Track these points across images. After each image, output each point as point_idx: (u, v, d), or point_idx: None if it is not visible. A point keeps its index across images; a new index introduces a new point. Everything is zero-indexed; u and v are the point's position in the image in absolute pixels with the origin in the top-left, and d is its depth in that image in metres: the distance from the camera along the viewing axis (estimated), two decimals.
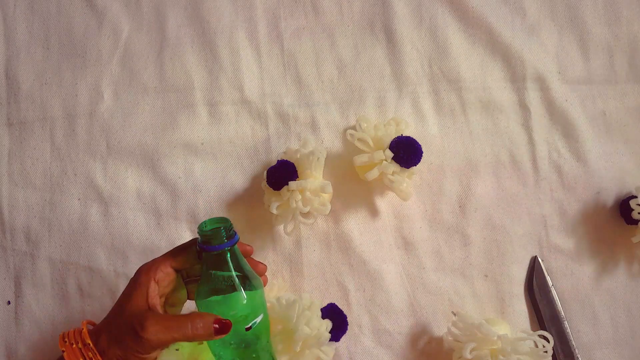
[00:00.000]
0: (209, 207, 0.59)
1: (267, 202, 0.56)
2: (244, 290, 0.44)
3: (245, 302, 0.44)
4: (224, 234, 0.44)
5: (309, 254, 0.59)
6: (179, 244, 0.59)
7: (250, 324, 0.44)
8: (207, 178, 0.60)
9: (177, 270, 0.46)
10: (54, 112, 0.62)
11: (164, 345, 0.42)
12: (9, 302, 0.60)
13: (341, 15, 0.62)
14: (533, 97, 0.60)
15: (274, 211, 0.54)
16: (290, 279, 0.59)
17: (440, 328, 0.57)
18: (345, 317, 0.55)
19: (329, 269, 0.58)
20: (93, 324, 0.46)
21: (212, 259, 0.45)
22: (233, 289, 0.44)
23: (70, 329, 0.45)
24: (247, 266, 0.46)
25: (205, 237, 0.44)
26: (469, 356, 0.50)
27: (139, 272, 0.44)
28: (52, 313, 0.59)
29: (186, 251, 0.46)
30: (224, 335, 0.43)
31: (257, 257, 0.59)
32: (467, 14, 0.61)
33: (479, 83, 0.60)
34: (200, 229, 0.45)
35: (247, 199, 0.60)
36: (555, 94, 0.60)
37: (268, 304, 0.50)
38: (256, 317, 0.45)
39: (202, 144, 0.61)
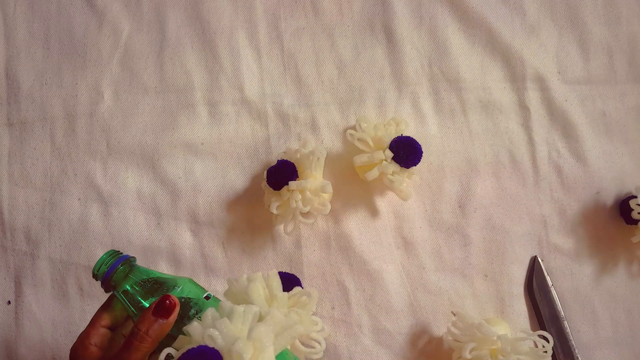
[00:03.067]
0: (209, 207, 0.60)
1: (267, 202, 0.56)
2: (172, 285, 0.43)
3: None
4: (108, 259, 0.44)
5: (309, 254, 0.59)
6: (179, 244, 0.59)
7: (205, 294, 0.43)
8: (207, 178, 0.60)
9: (112, 329, 0.44)
10: (54, 112, 0.62)
11: None
12: (9, 302, 0.60)
13: (341, 15, 0.62)
14: (533, 97, 0.60)
15: (274, 211, 0.54)
16: None
17: (440, 328, 0.57)
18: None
19: (329, 269, 0.58)
20: None
21: (122, 287, 0.43)
22: (159, 291, 0.43)
23: None
24: (159, 273, 0.45)
25: (99, 272, 0.44)
26: (468, 356, 0.50)
27: (73, 353, 0.42)
28: (52, 313, 0.59)
29: (108, 305, 0.44)
30: (176, 310, 0.40)
31: (257, 257, 0.59)
32: (467, 14, 0.61)
33: (479, 83, 0.60)
34: (93, 272, 0.44)
35: (247, 199, 0.60)
36: (555, 94, 0.60)
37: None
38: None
39: (202, 144, 0.61)
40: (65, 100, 0.62)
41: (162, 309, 0.40)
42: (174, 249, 0.59)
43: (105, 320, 0.43)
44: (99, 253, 0.59)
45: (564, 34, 0.61)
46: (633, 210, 0.56)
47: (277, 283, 0.45)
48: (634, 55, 0.61)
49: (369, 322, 0.58)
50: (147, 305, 0.42)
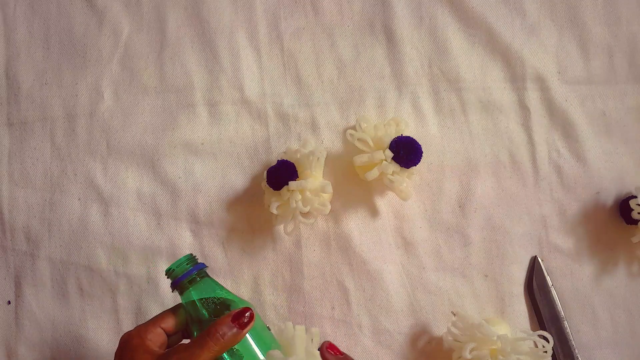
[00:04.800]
0: (209, 207, 0.60)
1: (267, 202, 0.56)
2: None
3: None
4: (186, 262, 0.45)
5: (309, 254, 0.59)
6: (179, 244, 0.59)
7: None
8: (207, 178, 0.60)
9: (168, 335, 0.44)
10: (54, 112, 0.62)
11: None
12: (9, 302, 0.60)
13: (341, 15, 0.62)
14: (533, 97, 0.60)
15: (274, 211, 0.54)
16: (290, 279, 0.59)
17: (440, 328, 0.57)
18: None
19: (329, 269, 0.58)
20: None
21: (188, 299, 0.44)
22: (219, 313, 0.43)
23: None
24: (227, 292, 0.45)
25: (172, 273, 0.45)
26: (468, 356, 0.50)
27: (127, 339, 0.42)
28: (52, 313, 0.59)
29: (174, 312, 0.45)
30: (253, 323, 0.41)
31: (257, 257, 0.59)
32: (467, 14, 0.61)
33: (479, 83, 0.60)
34: (166, 270, 0.45)
35: (247, 199, 0.60)
36: (555, 94, 0.60)
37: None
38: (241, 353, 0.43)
39: (202, 144, 0.61)
40: (65, 100, 0.62)
41: (241, 318, 0.41)
42: (174, 249, 0.59)
43: (167, 323, 0.44)
44: (99, 253, 0.59)
45: (564, 34, 0.61)
46: (633, 210, 0.56)
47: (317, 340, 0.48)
48: (634, 55, 0.61)
49: (369, 322, 0.58)
50: (207, 317, 0.43)
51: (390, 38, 0.61)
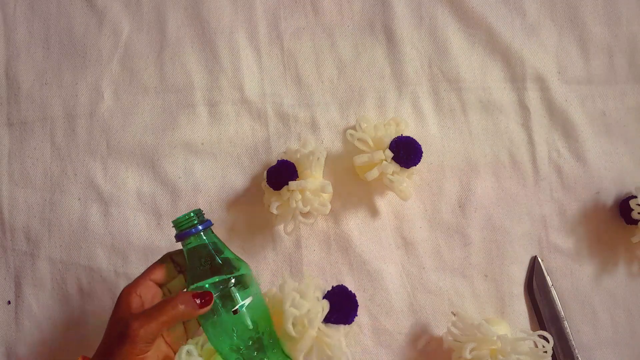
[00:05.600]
0: (209, 207, 0.60)
1: (267, 202, 0.56)
2: (227, 272, 0.45)
3: (231, 284, 0.45)
4: (194, 217, 0.46)
5: (309, 254, 0.59)
6: (179, 244, 0.59)
7: (236, 307, 0.45)
8: (207, 178, 0.60)
9: (159, 285, 0.47)
10: (54, 112, 0.62)
11: (154, 335, 0.42)
12: (9, 302, 0.60)
13: (341, 15, 0.62)
14: (533, 97, 0.60)
15: (274, 211, 0.54)
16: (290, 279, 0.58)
17: (440, 328, 0.57)
18: (353, 297, 0.50)
19: (329, 269, 0.58)
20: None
21: (191, 247, 0.46)
22: (215, 272, 0.45)
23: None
24: (227, 249, 0.47)
25: (178, 225, 0.46)
26: (468, 356, 0.50)
27: (121, 292, 0.46)
28: (52, 313, 0.59)
29: (162, 264, 0.48)
30: (209, 307, 0.43)
31: (257, 257, 0.59)
32: (467, 14, 0.61)
33: (479, 83, 0.60)
34: (173, 221, 0.47)
35: (247, 199, 0.60)
36: (555, 94, 0.60)
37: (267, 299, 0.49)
38: (244, 299, 0.45)
39: (202, 144, 0.61)
40: (65, 100, 0.62)
41: (203, 297, 0.44)
42: (174, 249, 0.59)
43: (156, 274, 0.47)
44: (99, 253, 0.59)
45: (564, 34, 0.61)
46: (633, 210, 0.56)
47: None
48: (634, 55, 0.61)
49: (369, 322, 0.58)
50: (200, 276, 0.45)
51: (390, 38, 0.61)
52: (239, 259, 0.47)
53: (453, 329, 0.53)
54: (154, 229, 0.59)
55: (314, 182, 0.54)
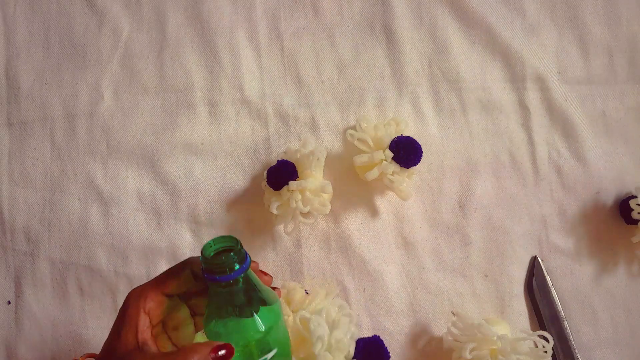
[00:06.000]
0: (209, 207, 0.60)
1: (267, 202, 0.56)
2: (257, 313, 0.38)
3: (259, 331, 0.38)
4: (232, 259, 0.37)
5: (309, 254, 0.59)
6: (179, 244, 0.59)
7: (264, 357, 0.38)
8: (207, 178, 0.60)
9: (170, 295, 0.40)
10: (54, 112, 0.62)
11: None
12: (9, 302, 0.60)
13: (341, 15, 0.62)
14: (533, 97, 0.60)
15: (274, 211, 0.54)
16: (290, 279, 0.58)
17: (440, 328, 0.57)
18: (387, 355, 0.46)
19: (329, 269, 0.58)
20: (93, 356, 0.42)
21: (220, 288, 0.38)
22: (245, 313, 0.38)
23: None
24: (260, 285, 0.40)
25: (210, 265, 0.37)
26: (468, 356, 0.50)
27: (127, 301, 0.39)
28: (52, 313, 0.59)
29: (179, 276, 0.40)
30: None
31: (257, 257, 0.59)
32: (467, 14, 0.61)
33: (479, 83, 0.60)
34: (205, 256, 0.37)
35: (247, 199, 0.60)
36: (555, 94, 0.60)
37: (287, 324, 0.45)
38: (271, 346, 0.39)
39: (202, 144, 0.61)
40: (65, 100, 0.62)
41: (219, 350, 0.37)
42: (174, 249, 0.59)
43: (170, 288, 0.39)
44: (99, 253, 0.59)
45: (564, 34, 0.61)
46: (633, 210, 0.56)
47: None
48: (634, 55, 0.61)
49: (369, 322, 0.58)
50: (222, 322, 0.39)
51: (390, 38, 0.61)
52: (268, 294, 0.40)
53: (453, 329, 0.53)
54: (154, 229, 0.59)
55: (314, 182, 0.54)
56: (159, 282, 0.40)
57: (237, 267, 0.37)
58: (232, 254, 0.37)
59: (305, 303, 0.52)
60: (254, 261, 0.41)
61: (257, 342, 0.38)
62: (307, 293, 0.55)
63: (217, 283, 0.37)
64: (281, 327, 0.40)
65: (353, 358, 0.44)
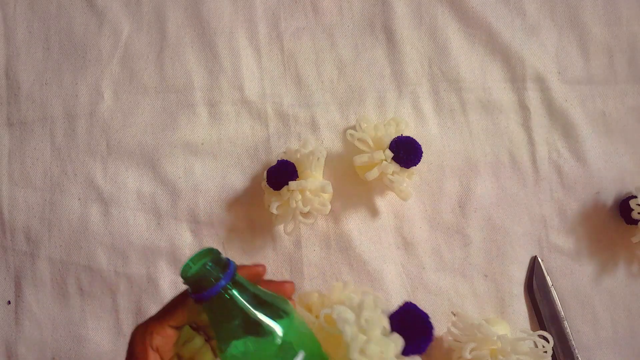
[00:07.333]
0: (209, 207, 0.60)
1: (267, 202, 0.56)
2: (268, 328, 0.35)
3: (277, 340, 0.35)
4: (212, 270, 0.34)
5: (309, 254, 0.59)
6: (179, 244, 0.59)
7: None
8: (207, 178, 0.60)
9: (178, 328, 0.37)
10: (54, 112, 0.62)
11: None
12: (9, 302, 0.60)
13: (341, 15, 0.62)
14: (533, 97, 0.60)
15: (274, 211, 0.54)
16: (290, 279, 0.58)
17: (440, 328, 0.57)
18: (426, 318, 0.42)
19: (329, 269, 0.58)
20: None
21: (214, 305, 0.35)
22: (253, 330, 0.35)
23: None
24: (262, 294, 0.36)
25: (193, 284, 0.34)
26: (468, 356, 0.50)
27: (133, 339, 0.36)
28: (52, 313, 0.59)
29: (183, 304, 0.37)
30: None
31: (257, 257, 0.59)
32: (467, 14, 0.61)
33: (479, 83, 0.60)
34: (183, 275, 0.34)
35: (247, 199, 0.60)
36: (555, 94, 0.60)
37: (312, 325, 0.40)
38: (295, 350, 0.35)
39: (202, 144, 0.61)
40: (65, 100, 0.62)
41: None
42: (174, 249, 0.59)
43: (176, 321, 0.37)
44: (99, 253, 0.59)
45: (564, 34, 0.61)
46: (633, 210, 0.56)
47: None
48: (634, 55, 0.61)
49: None
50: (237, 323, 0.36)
51: (390, 38, 0.61)
52: (275, 297, 0.37)
53: (453, 329, 0.53)
54: (154, 229, 0.59)
55: (314, 182, 0.54)
56: (164, 315, 0.37)
57: (220, 275, 0.34)
58: (209, 263, 0.34)
59: (325, 302, 0.48)
60: (260, 264, 0.39)
61: (278, 351, 0.35)
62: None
63: (208, 301, 0.34)
64: (301, 328, 0.37)
65: (392, 331, 0.39)
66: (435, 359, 0.57)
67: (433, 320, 0.57)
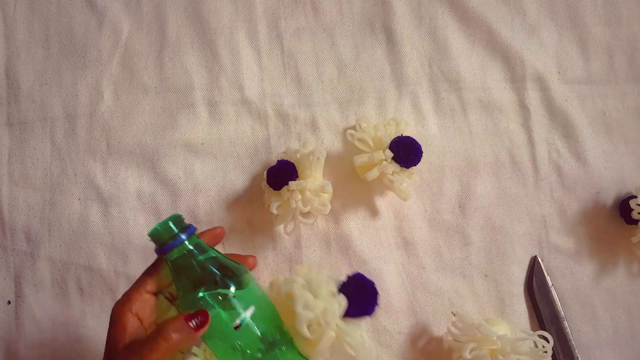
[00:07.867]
0: (209, 207, 0.60)
1: (267, 202, 0.56)
2: (221, 280, 0.40)
3: (229, 288, 0.40)
4: (173, 227, 0.40)
5: (309, 254, 0.59)
6: None
7: (238, 321, 0.40)
8: (207, 178, 0.60)
9: (156, 294, 0.43)
10: (54, 112, 0.62)
11: None
12: (9, 302, 0.60)
13: (341, 15, 0.62)
14: (533, 97, 0.60)
15: (274, 211, 0.54)
16: None
17: (440, 328, 0.57)
18: (371, 285, 0.46)
19: (329, 269, 0.58)
20: None
21: (175, 261, 0.41)
22: (209, 279, 0.40)
23: None
24: (221, 257, 0.42)
25: (156, 239, 0.41)
26: (468, 356, 0.50)
27: (113, 309, 0.41)
28: (52, 313, 0.59)
29: (157, 269, 0.42)
30: (206, 328, 0.39)
31: (257, 256, 0.59)
32: (467, 14, 0.61)
33: (479, 83, 0.60)
34: (149, 234, 0.41)
35: (247, 199, 0.60)
36: (555, 94, 0.60)
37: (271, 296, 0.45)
38: (245, 310, 0.40)
39: (202, 144, 0.61)
40: (65, 100, 0.62)
41: (195, 318, 0.39)
42: None
43: (151, 284, 0.42)
44: (99, 253, 0.59)
45: (564, 34, 0.61)
46: (633, 210, 0.55)
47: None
48: (634, 55, 0.61)
49: (369, 322, 0.58)
50: (191, 290, 0.40)
51: (390, 38, 0.61)
52: (232, 261, 0.43)
53: (453, 329, 0.53)
54: None
55: (314, 182, 0.54)
56: (139, 282, 0.42)
57: (178, 231, 0.40)
58: (169, 221, 0.40)
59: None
60: (219, 227, 0.46)
61: (229, 304, 0.40)
62: None
63: (169, 254, 0.40)
64: (256, 290, 0.42)
65: (339, 292, 0.44)
66: (435, 359, 0.57)
67: (432, 319, 0.57)
